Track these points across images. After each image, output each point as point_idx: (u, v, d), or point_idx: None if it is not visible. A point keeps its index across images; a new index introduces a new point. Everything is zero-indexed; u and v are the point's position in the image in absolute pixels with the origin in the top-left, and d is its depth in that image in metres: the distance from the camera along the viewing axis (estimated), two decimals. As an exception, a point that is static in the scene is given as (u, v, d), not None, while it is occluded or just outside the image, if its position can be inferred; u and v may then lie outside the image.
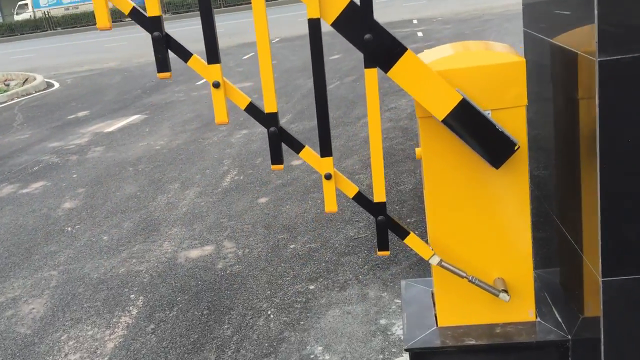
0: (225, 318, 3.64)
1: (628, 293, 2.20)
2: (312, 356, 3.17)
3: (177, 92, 11.94)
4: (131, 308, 3.93)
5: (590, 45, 2.04)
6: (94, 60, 19.95)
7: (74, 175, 7.21)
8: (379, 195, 2.45)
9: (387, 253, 2.55)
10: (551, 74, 2.67)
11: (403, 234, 2.51)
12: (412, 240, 2.52)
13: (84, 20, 39.31)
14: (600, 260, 2.17)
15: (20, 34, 40.14)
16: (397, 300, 3.53)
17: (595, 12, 1.95)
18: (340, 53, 13.13)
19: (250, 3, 2.29)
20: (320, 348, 3.21)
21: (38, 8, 43.53)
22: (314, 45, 2.28)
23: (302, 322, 3.48)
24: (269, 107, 2.39)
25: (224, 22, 27.09)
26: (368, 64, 2.28)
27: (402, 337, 3.13)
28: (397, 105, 8.16)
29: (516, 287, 2.61)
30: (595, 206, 2.16)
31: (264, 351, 3.27)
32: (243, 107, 2.43)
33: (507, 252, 2.57)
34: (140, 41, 24.04)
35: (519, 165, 2.42)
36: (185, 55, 2.39)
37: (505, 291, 2.54)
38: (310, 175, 5.95)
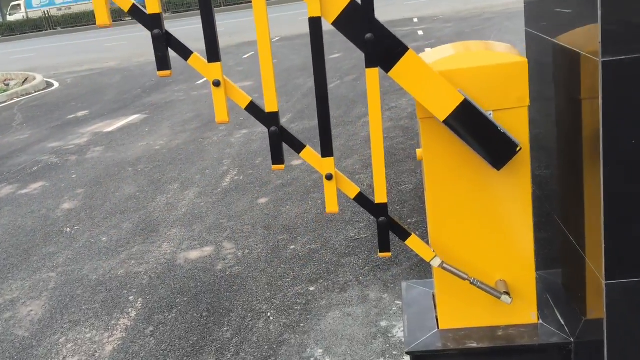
0: (224, 320, 3.62)
1: (632, 296, 2.17)
2: (312, 359, 3.14)
3: (177, 92, 11.91)
4: (130, 310, 3.90)
5: (593, 45, 2.01)
6: (94, 60, 19.93)
7: (73, 176, 7.18)
8: (380, 196, 2.43)
9: (388, 254, 2.53)
10: (553, 74, 2.64)
11: (404, 235, 2.49)
12: (414, 242, 2.50)
13: (83, 20, 39.29)
14: (603, 262, 2.14)
15: (20, 34, 40.12)
16: (398, 302, 3.50)
17: (599, 11, 1.92)
18: (341, 52, 13.10)
19: (251, 2, 2.26)
20: (320, 351, 3.19)
21: (31, 9, 43.55)
22: (315, 45, 2.26)
23: (302, 324, 3.45)
24: (269, 106, 2.36)
25: (224, 21, 27.07)
26: (369, 63, 2.25)
27: (403, 340, 3.11)
28: (398, 104, 8.13)
29: (518, 289, 2.59)
30: (599, 208, 2.14)
31: (264, 354, 3.24)
32: (244, 107, 2.40)
33: (509, 254, 2.55)
34: (140, 40, 24.03)
35: (521, 167, 2.39)
36: (185, 53, 2.36)
37: (507, 293, 2.51)
38: (311, 176, 5.92)
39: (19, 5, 44.73)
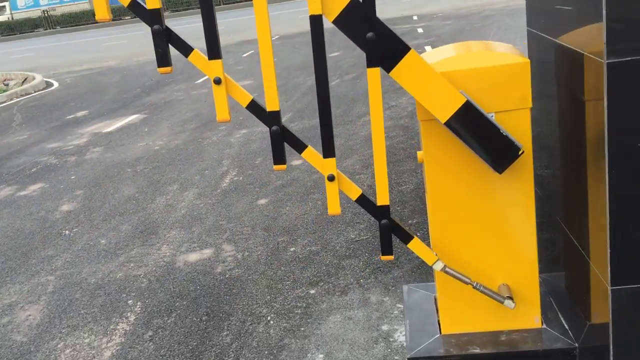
0: (224, 324, 3.58)
1: (638, 301, 2.13)
2: (312, 363, 3.11)
3: (176, 91, 11.87)
4: (129, 314, 3.86)
5: (597, 45, 1.97)
6: (94, 59, 19.89)
7: (72, 177, 7.14)
8: (382, 198, 2.39)
9: (391, 257, 2.49)
10: (555, 74, 2.59)
11: (407, 238, 2.45)
12: (416, 245, 2.46)
13: (83, 19, 39.24)
14: (608, 267, 2.10)
15: (20, 33, 40.06)
16: (399, 305, 3.46)
17: (604, 10, 1.88)
18: (340, 50, 13.06)
19: (249, 0, 2.22)
20: (321, 356, 3.15)
21: (16, 10, 43.50)
22: (316, 43, 2.21)
23: (302, 329, 3.41)
24: (271, 105, 2.32)
25: (223, 19, 27.01)
26: (371, 63, 2.21)
27: (404, 344, 3.07)
28: (398, 103, 8.08)
29: (521, 293, 2.55)
30: (603, 210, 2.09)
31: (264, 359, 3.20)
32: (245, 105, 2.37)
33: (512, 257, 2.51)
34: (139, 39, 23.98)
35: (524, 170, 2.35)
36: (186, 50, 2.33)
37: (511, 298, 2.48)
38: (311, 176, 5.88)
39: (4, 6, 44.66)
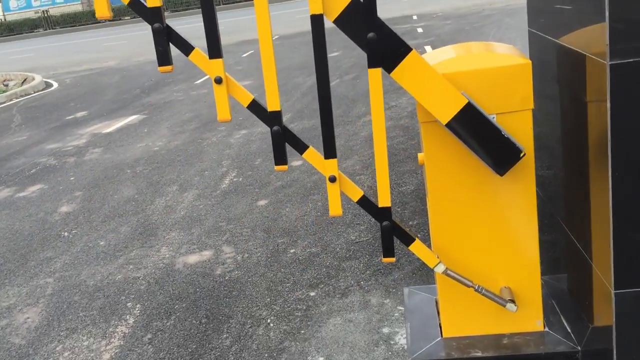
0: (224, 327, 3.56)
1: (642, 305, 2.11)
2: (313, 367, 3.09)
3: (175, 92, 11.85)
4: (128, 317, 3.84)
5: (599, 46, 1.95)
6: (93, 60, 19.86)
7: (72, 178, 7.12)
8: (383, 199, 2.37)
9: (392, 260, 2.48)
10: (557, 75, 2.57)
11: (408, 240, 2.43)
12: (418, 248, 2.44)
13: (83, 19, 39.21)
14: (612, 271, 2.08)
15: (19, 34, 40.03)
16: (400, 308, 3.44)
17: (606, 11, 1.85)
18: (340, 50, 13.04)
19: (249, 0, 2.20)
20: (321, 359, 3.12)
21: (8, 12, 43.48)
22: (317, 43, 2.19)
23: (302, 331, 3.39)
24: (272, 105, 2.30)
25: (222, 19, 26.92)
26: (372, 64, 2.19)
27: (405, 347, 3.05)
28: (398, 103, 8.06)
29: (523, 296, 2.53)
30: (606, 213, 2.07)
31: (264, 362, 3.18)
32: (246, 105, 2.35)
33: (513, 260, 2.49)
34: (139, 40, 23.96)
35: (526, 172, 2.33)
36: (186, 48, 2.31)
37: (513, 301, 2.46)
38: (310, 177, 5.86)
39: None
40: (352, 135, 7.07)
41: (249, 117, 8.38)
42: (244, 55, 15.54)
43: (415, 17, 17.96)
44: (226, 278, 4.14)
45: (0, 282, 4.64)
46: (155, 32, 2.25)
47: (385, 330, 3.27)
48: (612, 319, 2.13)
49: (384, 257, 2.47)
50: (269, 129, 2.34)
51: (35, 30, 40.17)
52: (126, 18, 36.84)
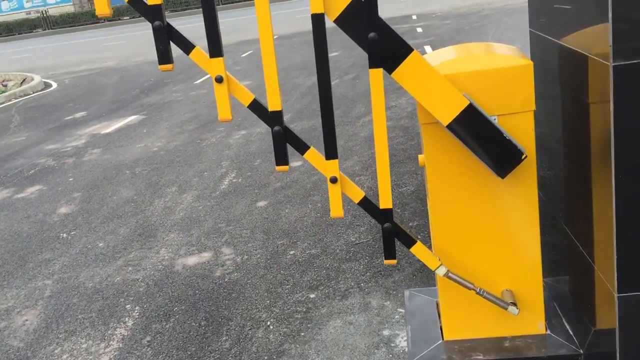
0: (223, 329, 3.53)
1: (645, 308, 2.09)
2: (313, 369, 3.07)
3: (175, 92, 11.82)
4: (127, 319, 3.82)
5: (602, 47, 1.93)
6: (92, 60, 19.83)
7: (70, 179, 7.10)
8: (385, 201, 2.35)
9: (394, 262, 2.45)
10: (559, 76, 2.55)
11: (409, 242, 2.41)
12: (419, 250, 2.42)
13: (82, 20, 39.18)
14: (615, 274, 2.06)
15: (18, 34, 39.98)
16: (401, 310, 3.42)
17: (610, 12, 1.83)
18: (340, 50, 13.02)
19: (248, 0, 2.19)
20: (321, 361, 3.11)
21: (1, 13, 43.46)
22: (317, 43, 2.17)
23: (302, 334, 3.37)
24: (273, 105, 2.28)
25: (222, 19, 26.78)
26: (373, 64, 2.17)
27: (406, 350, 3.02)
28: (398, 103, 8.04)
29: (525, 299, 2.51)
30: (609, 215, 2.05)
31: (264, 364, 3.16)
32: (246, 104, 2.33)
33: (515, 263, 2.47)
34: (138, 40, 23.93)
35: (527, 175, 2.31)
36: (187, 47, 2.29)
37: (514, 304, 2.44)
38: (310, 178, 5.84)
39: None
40: (352, 136, 7.05)
41: (249, 117, 8.36)
42: (243, 55, 15.52)
43: (414, 17, 17.94)
44: (225, 280, 4.12)
45: (-2, 284, 4.62)
46: (155, 30, 2.24)
47: (386, 332, 3.25)
48: (615, 322, 2.11)
49: (385, 259, 2.45)
50: (268, 129, 2.32)
51: (34, 31, 40.12)
52: (125, 18, 36.80)
